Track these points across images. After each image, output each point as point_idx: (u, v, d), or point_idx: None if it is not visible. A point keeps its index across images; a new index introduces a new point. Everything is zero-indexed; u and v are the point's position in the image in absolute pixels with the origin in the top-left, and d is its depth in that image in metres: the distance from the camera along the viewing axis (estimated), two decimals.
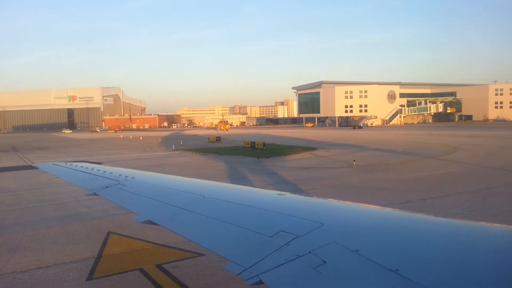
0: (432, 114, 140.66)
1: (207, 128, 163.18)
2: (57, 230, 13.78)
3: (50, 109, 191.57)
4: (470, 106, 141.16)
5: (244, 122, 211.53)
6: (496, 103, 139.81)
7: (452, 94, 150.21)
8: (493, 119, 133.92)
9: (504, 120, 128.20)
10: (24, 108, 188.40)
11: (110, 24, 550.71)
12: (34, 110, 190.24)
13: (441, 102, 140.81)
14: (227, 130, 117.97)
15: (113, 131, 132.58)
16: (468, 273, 2.56)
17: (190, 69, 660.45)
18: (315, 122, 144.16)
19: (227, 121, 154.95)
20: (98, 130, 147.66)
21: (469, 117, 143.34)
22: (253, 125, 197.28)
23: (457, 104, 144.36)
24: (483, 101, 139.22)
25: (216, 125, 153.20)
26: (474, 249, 2.92)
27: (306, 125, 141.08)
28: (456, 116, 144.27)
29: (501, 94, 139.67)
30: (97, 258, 10.66)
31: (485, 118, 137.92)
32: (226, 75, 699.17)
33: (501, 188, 19.84)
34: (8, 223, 15.02)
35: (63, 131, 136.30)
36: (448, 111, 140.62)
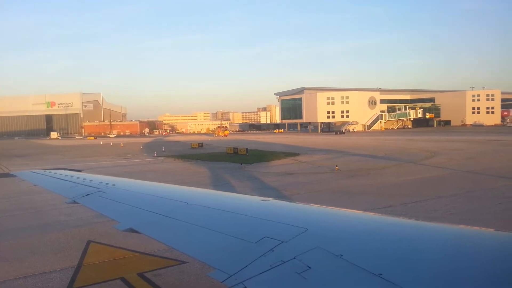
0: (412, 119, 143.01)
1: (198, 134, 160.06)
2: (35, 239, 13.45)
3: (28, 116, 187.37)
4: (448, 111, 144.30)
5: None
6: (474, 108, 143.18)
7: (431, 100, 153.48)
8: (471, 124, 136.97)
9: (481, 125, 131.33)
10: (1, 115, 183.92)
11: (90, 29, 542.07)
12: (11, 116, 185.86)
13: (420, 108, 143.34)
14: (225, 136, 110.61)
15: (93, 137, 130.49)
16: (451, 276, 2.59)
17: (172, 75, 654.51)
18: (285, 128, 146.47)
19: (226, 127, 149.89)
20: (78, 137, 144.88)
21: (447, 123, 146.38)
22: (236, 131, 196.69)
23: (436, 110, 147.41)
24: (460, 106, 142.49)
25: (213, 131, 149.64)
26: (457, 252, 2.96)
27: (277, 130, 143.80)
28: (435, 122, 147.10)
29: (478, 100, 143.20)
30: (77, 268, 10.44)
31: (463, 123, 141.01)
32: (208, 81, 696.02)
33: (479, 192, 20.29)
34: None
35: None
36: (427, 116, 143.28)
